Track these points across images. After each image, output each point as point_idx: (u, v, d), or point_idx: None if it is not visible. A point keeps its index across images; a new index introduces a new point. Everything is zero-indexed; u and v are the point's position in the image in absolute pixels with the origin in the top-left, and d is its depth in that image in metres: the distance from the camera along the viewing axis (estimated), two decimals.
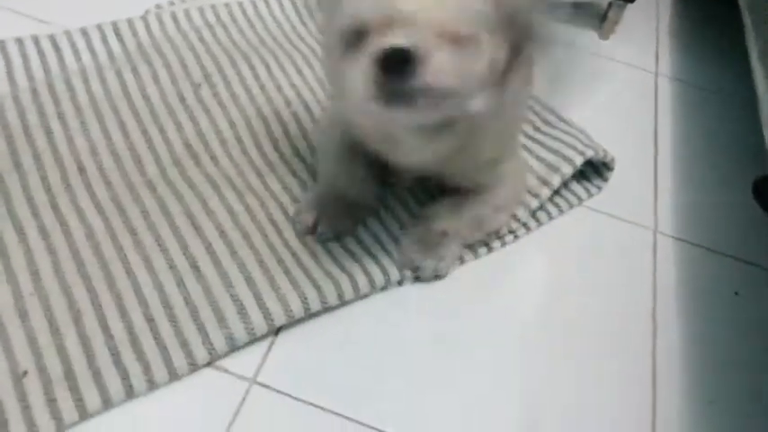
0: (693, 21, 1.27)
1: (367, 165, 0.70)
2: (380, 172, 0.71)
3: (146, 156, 0.74)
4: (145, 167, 0.73)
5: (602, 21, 1.16)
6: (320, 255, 0.69)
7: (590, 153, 0.81)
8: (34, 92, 0.76)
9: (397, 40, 0.46)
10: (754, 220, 0.88)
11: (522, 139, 0.85)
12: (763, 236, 0.86)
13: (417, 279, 0.71)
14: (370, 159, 0.68)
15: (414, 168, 0.67)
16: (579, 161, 0.80)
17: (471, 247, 0.74)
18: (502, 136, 0.69)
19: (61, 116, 0.75)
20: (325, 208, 0.70)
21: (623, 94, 1.06)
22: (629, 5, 1.11)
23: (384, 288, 0.69)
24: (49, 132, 0.74)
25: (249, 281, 0.64)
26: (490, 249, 0.76)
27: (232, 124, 0.79)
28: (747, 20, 0.89)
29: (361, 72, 0.48)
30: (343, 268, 0.68)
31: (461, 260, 0.74)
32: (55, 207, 0.67)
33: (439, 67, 0.47)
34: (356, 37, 0.49)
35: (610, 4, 1.13)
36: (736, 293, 0.79)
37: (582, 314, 0.73)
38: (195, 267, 0.65)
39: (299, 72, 0.88)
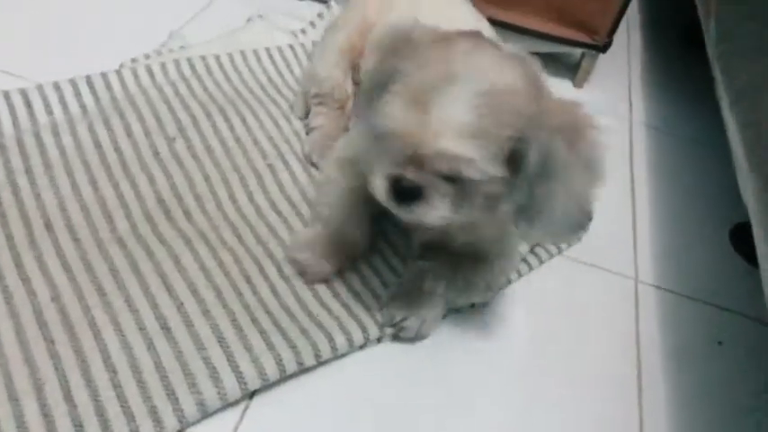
0: (664, 69, 1.31)
1: (369, 211, 0.70)
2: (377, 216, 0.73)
3: (116, 211, 0.72)
4: (115, 223, 0.70)
5: (575, 70, 1.18)
6: (296, 312, 0.67)
7: None
8: (2, 147, 0.74)
9: (407, 172, 0.54)
10: (734, 266, 0.88)
11: None
12: (743, 283, 0.86)
13: (397, 337, 0.69)
14: (372, 207, 0.67)
15: (424, 228, 0.67)
16: None
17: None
18: None
19: (29, 171, 0.73)
20: (320, 248, 0.70)
21: None
22: (602, 55, 1.14)
23: (363, 347, 0.67)
24: (15, 187, 0.71)
25: (222, 342, 0.62)
26: (472, 305, 0.74)
27: (206, 178, 0.78)
28: (716, 71, 0.91)
29: (380, 178, 0.56)
30: (320, 326, 0.66)
31: (446, 316, 0.72)
32: (19, 265, 0.65)
33: (436, 204, 0.55)
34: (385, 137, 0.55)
35: (583, 54, 1.16)
36: (719, 343, 0.78)
37: (566, 366, 0.72)
38: (166, 328, 0.62)
39: (276, 124, 0.88)
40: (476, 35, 0.58)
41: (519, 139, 0.52)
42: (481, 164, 0.52)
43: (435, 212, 0.56)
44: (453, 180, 0.54)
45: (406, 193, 0.55)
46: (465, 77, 0.51)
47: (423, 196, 0.55)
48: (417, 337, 0.69)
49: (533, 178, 0.53)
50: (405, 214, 0.57)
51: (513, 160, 0.53)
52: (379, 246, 0.76)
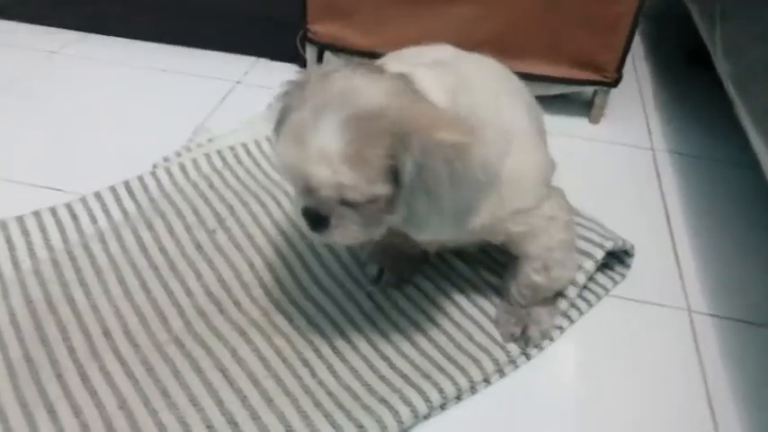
0: (677, 94, 1.32)
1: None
2: None
3: (169, 311, 0.74)
4: (170, 323, 0.72)
5: (589, 107, 1.20)
6: (357, 389, 0.67)
7: (609, 244, 0.81)
8: (54, 262, 0.77)
9: (309, 202, 0.58)
10: None
11: None
12: None
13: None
14: None
15: (434, 244, 0.73)
16: (600, 255, 0.80)
17: (509, 356, 0.72)
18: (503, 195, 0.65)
19: (83, 283, 0.76)
20: (385, 259, 0.79)
21: (625, 174, 1.08)
22: (614, 90, 1.16)
23: (427, 416, 0.67)
24: (71, 301, 0.74)
25: (289, 430, 0.62)
26: (528, 357, 0.74)
27: (251, 266, 0.80)
28: (732, 93, 0.92)
29: (295, 210, 0.61)
30: (382, 399, 0.66)
31: (501, 374, 0.72)
32: (84, 378, 0.66)
33: (342, 227, 0.58)
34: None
35: (595, 91, 1.18)
36: None
37: (634, 409, 0.70)
38: (233, 423, 0.63)
39: None
40: (362, 64, 0.60)
41: (393, 157, 0.54)
42: (362, 186, 0.54)
43: (345, 235, 0.59)
44: (350, 205, 0.57)
45: (315, 221, 0.59)
46: (333, 107, 0.54)
47: (328, 223, 0.58)
48: (544, 338, 0.75)
49: (411, 193, 0.55)
50: (321, 240, 0.63)
51: (396, 177, 0.55)
52: (420, 303, 0.77)
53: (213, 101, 1.17)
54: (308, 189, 0.57)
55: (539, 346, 0.74)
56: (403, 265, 0.79)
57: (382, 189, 0.55)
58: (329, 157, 0.53)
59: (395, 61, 0.64)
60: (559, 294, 0.77)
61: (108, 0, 1.31)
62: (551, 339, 0.76)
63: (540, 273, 0.72)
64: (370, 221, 0.59)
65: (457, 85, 0.60)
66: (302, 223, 0.60)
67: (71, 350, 0.69)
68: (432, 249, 0.77)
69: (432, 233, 0.60)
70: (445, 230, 0.59)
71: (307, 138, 0.54)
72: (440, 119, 0.55)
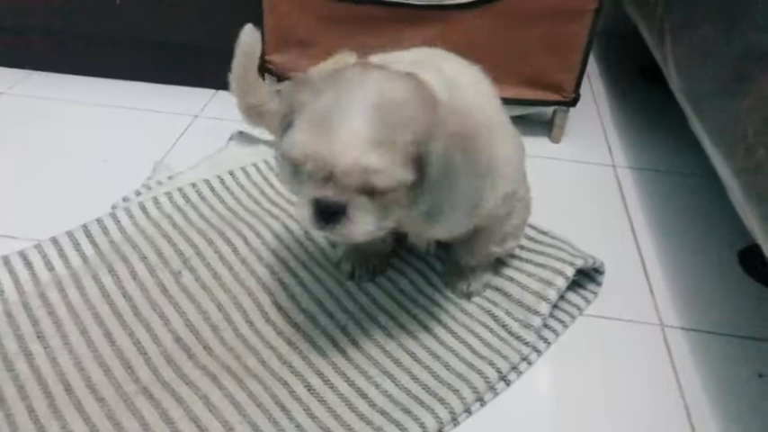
0: (633, 109, 1.35)
1: None
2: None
3: (136, 360, 0.70)
4: (137, 373, 0.69)
5: (550, 127, 1.21)
6: (336, 431, 0.65)
7: (579, 262, 0.82)
8: (9, 315, 0.73)
9: (325, 192, 0.57)
10: (755, 293, 0.88)
11: (509, 258, 0.85)
12: (764, 307, 0.86)
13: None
14: None
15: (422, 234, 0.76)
16: (570, 272, 0.80)
17: (488, 383, 0.71)
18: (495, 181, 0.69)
19: (40, 335, 0.72)
20: (357, 256, 0.82)
21: (589, 191, 1.09)
22: (572, 108, 1.18)
23: None
24: (29, 356, 0.70)
25: None
26: (508, 382, 0.73)
27: (219, 306, 0.77)
28: (687, 108, 0.95)
29: (303, 204, 0.59)
30: (379, 429, 0.64)
31: (482, 402, 0.71)
32: None
33: (358, 219, 0.58)
34: (298, 165, 0.58)
35: (554, 111, 1.19)
36: (760, 375, 0.77)
37: (614, 427, 0.70)
38: None
39: (277, 236, 0.88)
40: (364, 62, 0.63)
41: (420, 145, 0.56)
42: (389, 171, 0.55)
43: (360, 228, 0.58)
44: (370, 194, 0.57)
45: (329, 213, 0.58)
46: (358, 95, 0.55)
47: (345, 213, 0.58)
48: (484, 290, 0.83)
49: (436, 182, 0.57)
50: (330, 234, 0.60)
51: (419, 166, 0.57)
52: (395, 335, 0.76)
53: (172, 136, 1.14)
54: (329, 177, 0.56)
55: (480, 295, 0.82)
56: (374, 260, 0.84)
57: (408, 175, 0.56)
58: (358, 141, 0.54)
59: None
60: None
61: (53, 36, 1.27)
62: (529, 363, 0.75)
63: (498, 245, 0.78)
64: (386, 213, 0.59)
65: (449, 84, 0.63)
66: (309, 219, 0.59)
67: (30, 410, 0.65)
68: (423, 245, 0.81)
69: (448, 224, 0.61)
70: (459, 220, 0.62)
71: (333, 124, 0.54)
72: (454, 112, 0.58)
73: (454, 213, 0.60)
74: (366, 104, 0.55)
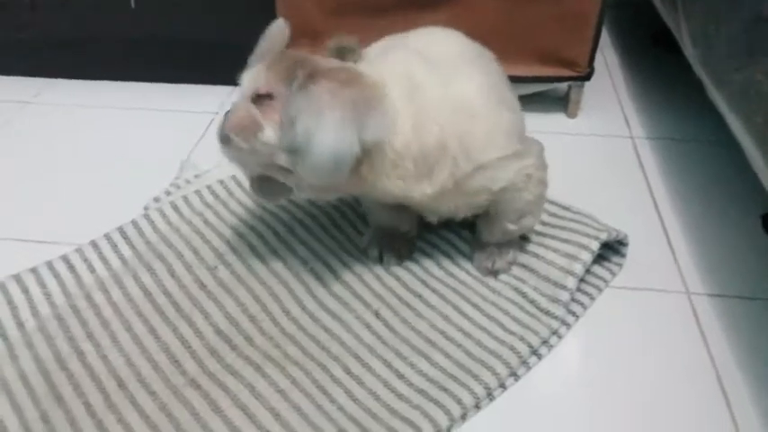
0: (647, 79, 1.35)
1: (404, 207, 0.81)
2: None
3: (181, 354, 0.74)
4: (184, 366, 0.72)
5: (565, 102, 1.22)
6: (378, 412, 0.68)
7: (603, 236, 0.83)
8: (59, 317, 0.77)
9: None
10: None
11: (533, 235, 0.87)
12: None
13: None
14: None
15: (430, 210, 0.79)
16: (595, 246, 0.82)
17: (520, 358, 0.74)
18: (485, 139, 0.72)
19: (90, 335, 0.75)
20: (384, 240, 0.86)
21: (608, 164, 1.10)
22: (587, 82, 1.18)
23: (449, 429, 0.68)
24: (81, 355, 0.73)
25: None
26: (540, 356, 0.75)
27: (256, 298, 0.80)
28: (703, 75, 0.95)
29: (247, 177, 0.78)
30: (403, 418, 0.67)
31: (515, 377, 0.73)
32: (103, 431, 0.66)
33: (235, 116, 0.68)
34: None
35: (569, 87, 1.20)
36: None
37: (646, 396, 0.71)
38: None
39: (304, 226, 0.90)
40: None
41: (291, 80, 0.66)
42: (264, 80, 0.68)
43: (234, 111, 0.68)
44: (260, 98, 0.68)
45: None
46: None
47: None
48: (510, 268, 0.85)
49: (290, 104, 0.65)
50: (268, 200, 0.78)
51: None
52: (427, 314, 0.78)
53: (195, 134, 1.17)
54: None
55: (506, 272, 0.85)
56: (399, 243, 0.87)
57: (277, 88, 0.67)
58: (258, 65, 0.70)
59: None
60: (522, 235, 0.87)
61: (73, 43, 1.30)
62: (559, 336, 0.77)
63: (514, 222, 0.80)
64: (258, 117, 0.67)
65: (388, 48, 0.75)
66: (251, 187, 0.76)
67: (87, 406, 0.68)
68: (433, 220, 0.83)
69: (312, 169, 0.64)
70: (324, 171, 0.64)
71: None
72: (332, 63, 0.70)
73: (311, 156, 0.63)
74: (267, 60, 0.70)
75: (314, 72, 0.65)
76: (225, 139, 0.68)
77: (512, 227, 0.81)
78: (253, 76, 0.69)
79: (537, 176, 0.78)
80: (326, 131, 0.62)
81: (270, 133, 0.67)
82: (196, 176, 1.01)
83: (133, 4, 1.20)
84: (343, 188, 0.72)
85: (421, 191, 0.72)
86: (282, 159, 0.67)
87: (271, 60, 0.69)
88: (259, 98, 0.67)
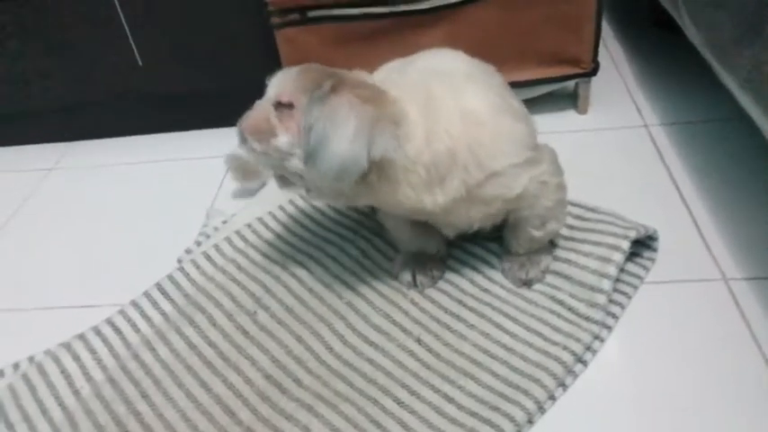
0: (653, 64, 1.35)
1: (428, 228, 0.84)
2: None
3: (234, 403, 0.75)
4: (238, 416, 0.74)
5: (574, 99, 1.22)
6: None
7: (632, 234, 0.83)
8: (112, 381, 0.79)
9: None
10: None
11: (563, 241, 0.88)
12: None
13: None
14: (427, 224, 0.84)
15: (445, 223, 0.81)
16: (626, 245, 0.82)
17: (566, 367, 0.74)
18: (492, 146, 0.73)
19: (144, 395, 0.77)
20: (415, 264, 0.87)
21: (626, 156, 1.10)
22: (594, 78, 1.18)
23: None
24: (138, 416, 0.75)
25: None
26: (585, 363, 0.76)
27: (299, 339, 0.82)
28: (710, 57, 0.94)
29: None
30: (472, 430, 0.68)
31: (563, 387, 0.73)
32: None
33: (254, 118, 0.73)
34: None
35: (576, 84, 1.20)
36: None
37: (694, 389, 0.71)
38: None
39: (336, 260, 0.92)
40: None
41: (311, 92, 0.69)
42: (289, 90, 0.71)
43: (254, 114, 0.73)
44: (281, 106, 0.71)
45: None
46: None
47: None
48: (543, 276, 0.86)
49: (309, 111, 0.68)
50: (289, 191, 0.79)
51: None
52: (466, 333, 0.79)
53: (215, 179, 1.19)
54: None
55: (540, 281, 0.85)
56: (430, 265, 0.88)
57: (297, 98, 0.70)
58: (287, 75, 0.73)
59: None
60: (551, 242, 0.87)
61: (87, 105, 1.33)
62: (602, 341, 0.78)
63: (538, 228, 0.81)
64: (276, 122, 0.70)
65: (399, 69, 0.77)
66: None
67: None
68: (449, 234, 0.84)
69: (319, 173, 0.67)
70: (330, 174, 0.66)
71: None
72: (356, 79, 0.72)
73: (321, 162, 0.66)
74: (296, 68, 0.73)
75: (339, 84, 0.68)
76: (241, 138, 0.73)
77: (537, 233, 0.82)
78: (279, 82, 0.72)
79: (553, 183, 0.79)
80: (338, 142, 0.65)
81: (283, 140, 0.70)
82: (224, 223, 1.03)
83: (140, 62, 1.23)
84: (353, 196, 0.74)
85: (433, 200, 0.73)
86: (294, 165, 0.71)
87: (300, 69, 0.72)
88: (280, 105, 0.70)
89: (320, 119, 0.66)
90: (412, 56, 0.82)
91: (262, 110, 0.72)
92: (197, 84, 1.27)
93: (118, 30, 1.19)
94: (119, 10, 1.17)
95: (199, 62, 1.24)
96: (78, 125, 1.37)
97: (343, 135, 0.65)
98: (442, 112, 0.72)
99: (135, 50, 1.22)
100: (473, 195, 0.74)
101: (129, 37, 1.20)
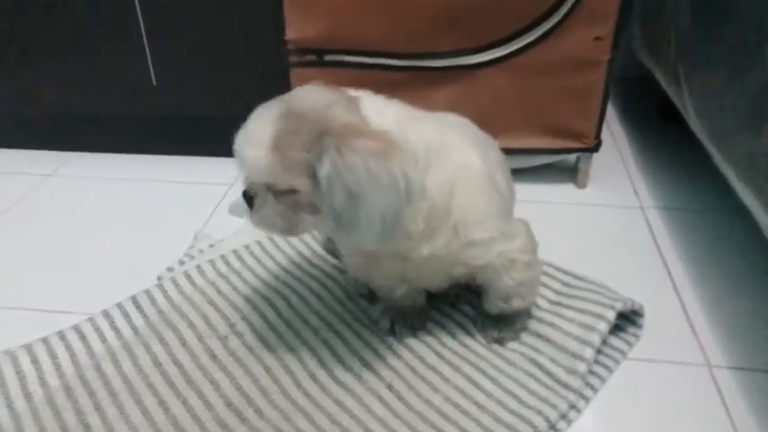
0: (654, 150, 1.38)
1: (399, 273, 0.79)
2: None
3: (190, 427, 0.72)
4: None
5: (574, 173, 1.24)
6: None
7: (619, 305, 0.82)
8: (67, 389, 0.76)
9: (246, 185, 0.66)
10: None
11: (548, 305, 0.86)
12: None
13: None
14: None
15: (414, 277, 0.78)
16: (612, 316, 0.81)
17: None
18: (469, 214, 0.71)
19: (98, 407, 0.74)
20: (396, 313, 0.85)
21: (619, 234, 1.10)
22: (595, 154, 1.20)
23: None
24: (87, 428, 0.72)
25: None
26: (557, 431, 0.73)
27: (267, 369, 0.79)
28: (710, 147, 0.96)
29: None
30: None
31: None
32: None
33: (263, 209, 0.65)
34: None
35: (578, 158, 1.22)
36: None
37: None
38: None
39: (318, 297, 0.90)
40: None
41: (312, 153, 0.59)
42: (277, 172, 0.61)
43: (265, 219, 0.65)
44: (275, 192, 0.63)
45: (248, 202, 0.67)
46: (275, 105, 0.62)
47: (252, 203, 0.66)
48: (516, 338, 0.84)
49: (330, 191, 0.59)
50: (253, 221, 0.67)
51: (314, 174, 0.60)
52: (441, 387, 0.76)
53: (209, 205, 1.19)
54: (243, 171, 0.65)
55: (513, 341, 0.84)
56: (412, 315, 0.86)
57: (299, 181, 0.61)
58: (259, 142, 0.61)
59: None
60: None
61: (96, 118, 1.35)
62: (578, 411, 0.75)
63: (504, 301, 0.80)
64: (291, 214, 0.65)
65: (401, 114, 0.66)
66: (239, 204, 0.71)
67: None
68: (433, 289, 0.84)
69: (361, 238, 0.61)
70: (374, 236, 0.60)
71: (248, 127, 0.63)
72: (359, 126, 0.60)
73: (364, 228, 0.59)
74: (276, 112, 0.61)
75: (340, 142, 0.58)
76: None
77: (501, 304, 0.81)
78: (255, 163, 0.62)
79: (522, 261, 0.76)
80: (375, 198, 0.58)
81: (308, 219, 0.65)
82: (210, 246, 1.02)
83: (154, 81, 1.25)
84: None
85: (419, 252, 0.71)
86: (327, 228, 0.65)
87: (274, 140, 0.60)
88: (278, 192, 0.63)
89: (349, 184, 0.58)
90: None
91: (268, 208, 0.65)
92: (208, 110, 1.29)
93: (137, 47, 1.22)
94: (142, 28, 1.20)
95: (212, 89, 1.26)
96: (83, 136, 1.38)
97: (378, 192, 0.58)
98: (449, 164, 0.69)
99: (151, 69, 1.24)
100: (447, 257, 0.72)
101: (148, 55, 1.23)
